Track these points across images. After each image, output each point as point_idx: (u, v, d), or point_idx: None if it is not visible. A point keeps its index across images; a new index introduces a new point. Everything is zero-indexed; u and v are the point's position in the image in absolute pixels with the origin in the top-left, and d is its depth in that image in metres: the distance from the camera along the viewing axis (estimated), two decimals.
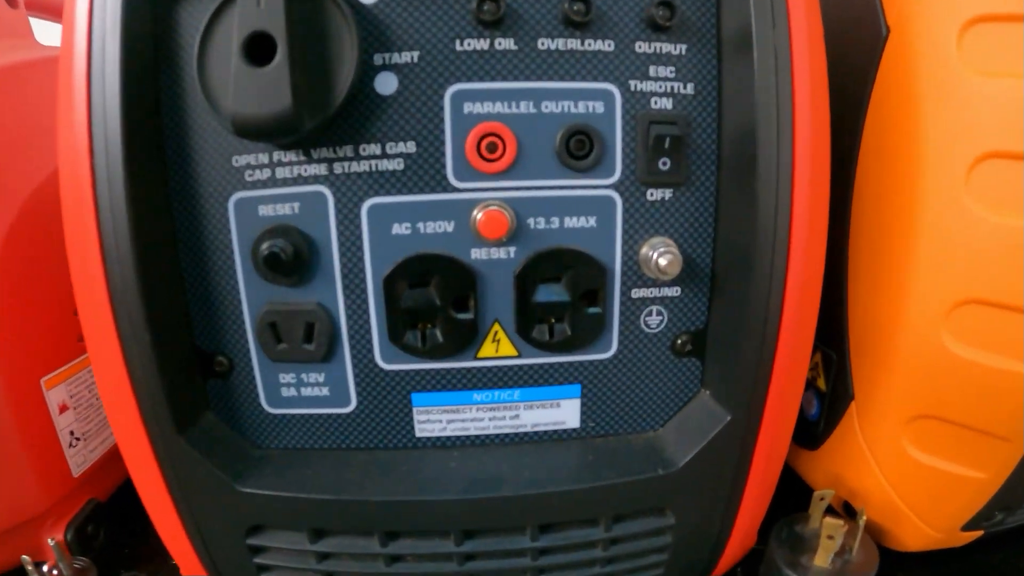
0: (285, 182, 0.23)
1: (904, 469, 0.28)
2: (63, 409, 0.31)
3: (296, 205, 0.23)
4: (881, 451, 0.28)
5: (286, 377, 0.25)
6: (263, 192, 0.23)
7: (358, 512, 0.24)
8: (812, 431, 0.33)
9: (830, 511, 0.30)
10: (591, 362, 0.26)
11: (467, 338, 0.24)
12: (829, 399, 0.31)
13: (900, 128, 0.27)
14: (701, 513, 0.26)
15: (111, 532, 0.34)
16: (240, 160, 0.23)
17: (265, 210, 0.23)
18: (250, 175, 0.23)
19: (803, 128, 0.22)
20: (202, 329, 0.25)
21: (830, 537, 0.28)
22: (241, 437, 0.26)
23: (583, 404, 0.26)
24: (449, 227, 0.23)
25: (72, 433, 0.32)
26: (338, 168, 0.23)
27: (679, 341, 0.26)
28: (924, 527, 0.29)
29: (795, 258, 0.23)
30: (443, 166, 0.23)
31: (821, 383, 0.32)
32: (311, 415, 0.26)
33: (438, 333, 0.24)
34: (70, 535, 0.30)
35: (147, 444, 0.24)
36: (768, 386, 0.24)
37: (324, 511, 0.24)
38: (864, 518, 0.29)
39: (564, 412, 0.26)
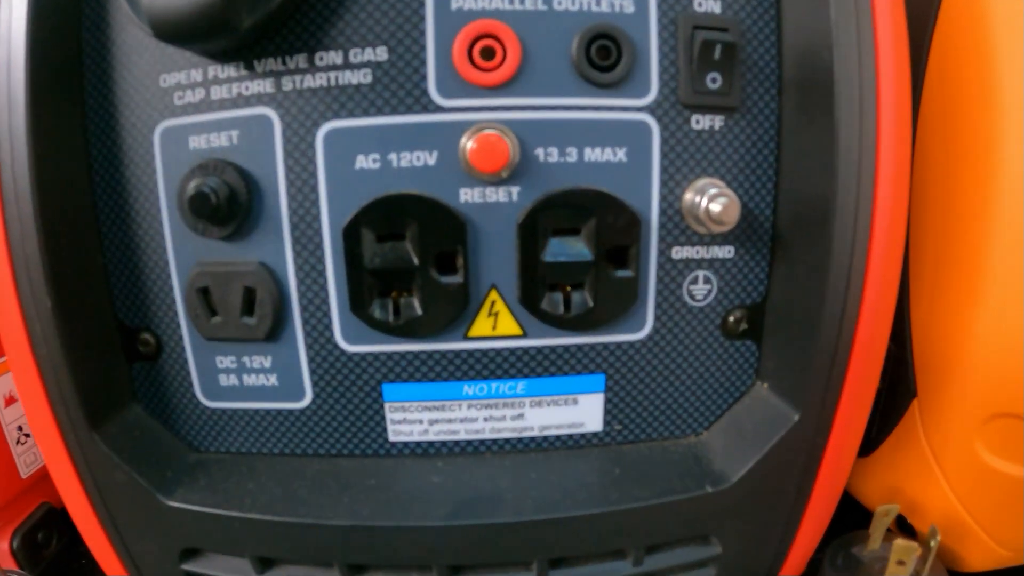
0: (222, 104, 0.19)
1: (975, 477, 0.26)
2: (9, 402, 0.29)
3: (234, 134, 0.19)
4: (948, 456, 0.26)
5: (224, 361, 0.21)
6: (194, 119, 0.20)
7: (314, 539, 0.20)
8: (864, 434, 0.30)
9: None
10: (619, 345, 0.21)
11: (454, 310, 0.20)
12: (886, 397, 0.28)
13: (969, 63, 0.23)
14: (754, 540, 0.22)
15: (66, 542, 0.31)
16: (168, 79, 0.20)
17: (196, 142, 0.20)
18: (180, 97, 0.20)
19: (885, 35, 0.19)
20: (124, 298, 0.21)
21: (900, 562, 0.25)
22: (173, 437, 0.22)
23: (607, 401, 0.22)
24: (431, 159, 0.19)
25: (20, 428, 0.30)
26: (287, 84, 0.19)
27: (731, 318, 0.22)
28: (992, 543, 0.27)
29: (881, 211, 0.19)
30: (423, 78, 0.19)
31: None
32: (256, 411, 0.22)
33: (416, 303, 0.20)
34: (16, 542, 0.28)
35: (59, 442, 0.21)
36: (845, 377, 0.20)
37: (271, 536, 0.21)
38: (938, 539, 0.26)
39: (583, 411, 0.22)
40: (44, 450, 0.21)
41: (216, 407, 0.22)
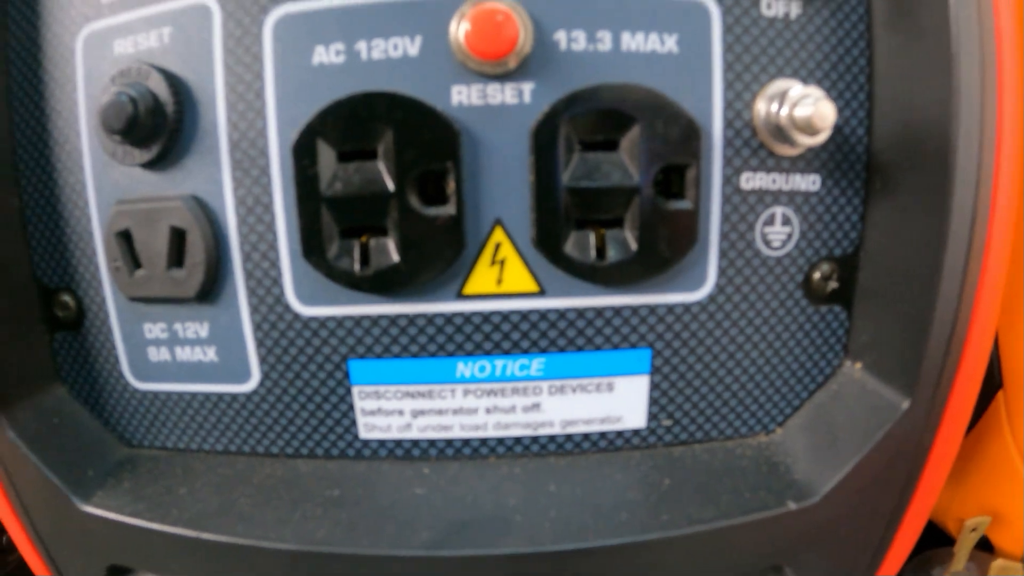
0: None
1: None
2: None
3: (165, 32, 0.16)
4: None
5: (153, 329, 0.18)
6: (122, 17, 0.17)
7: (254, 565, 0.16)
8: None
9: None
10: (670, 308, 0.17)
11: (445, 256, 0.16)
12: None
13: None
14: (838, 568, 0.19)
15: None
16: None
17: (123, 46, 0.17)
18: None
19: None
20: (43, 252, 0.19)
21: None
22: (101, 427, 0.20)
23: (654, 386, 0.18)
24: (412, 47, 0.15)
25: None
26: None
27: (816, 274, 0.18)
28: None
29: (1007, 143, 0.16)
30: None
31: None
32: (194, 394, 0.18)
33: (391, 246, 0.16)
34: None
35: None
36: (963, 353, 0.17)
37: (201, 558, 0.17)
38: None
39: (620, 401, 0.18)
40: None
41: (146, 389, 0.19)
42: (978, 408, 0.24)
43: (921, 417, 0.17)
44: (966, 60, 0.15)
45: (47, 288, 0.19)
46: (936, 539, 0.26)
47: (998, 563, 0.23)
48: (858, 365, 0.18)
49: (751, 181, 0.16)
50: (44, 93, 0.18)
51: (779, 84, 0.16)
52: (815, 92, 0.15)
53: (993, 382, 0.24)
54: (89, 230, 0.18)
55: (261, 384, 0.17)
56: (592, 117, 0.15)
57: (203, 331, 0.17)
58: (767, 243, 0.16)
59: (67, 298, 0.19)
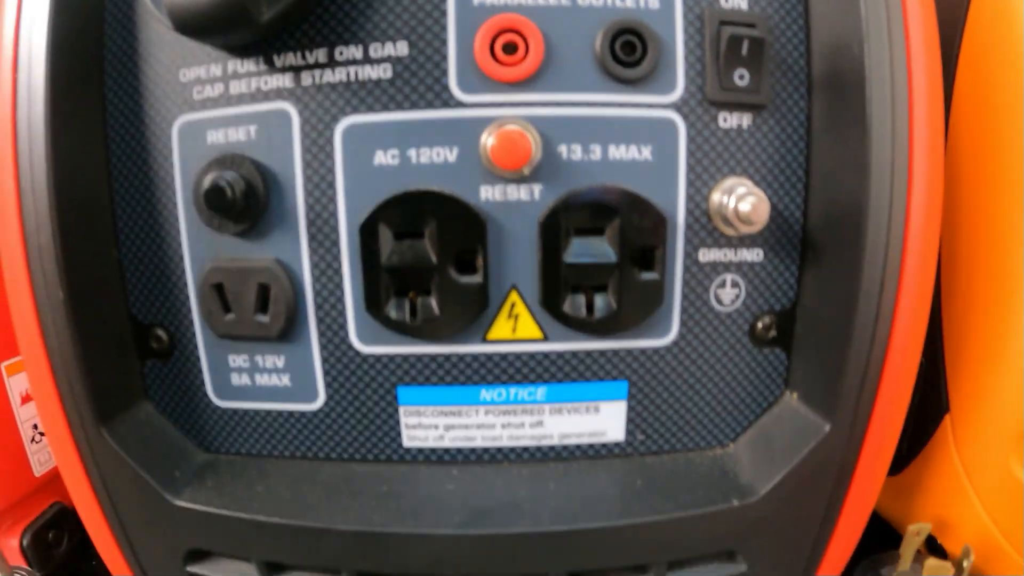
0: (241, 99, 0.19)
1: (1009, 495, 0.25)
2: (25, 400, 0.29)
3: (252, 128, 0.19)
4: (982, 473, 0.25)
5: (237, 359, 0.21)
6: (213, 113, 0.20)
7: (323, 544, 0.20)
8: (894, 452, 0.29)
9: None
10: (643, 351, 0.20)
11: (473, 311, 0.19)
12: (916, 413, 0.26)
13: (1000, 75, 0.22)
14: (781, 557, 0.21)
15: (77, 542, 0.31)
16: (188, 74, 0.20)
17: (215, 136, 0.20)
18: (199, 92, 0.20)
19: (916, 32, 0.18)
20: (138, 294, 0.21)
21: None
22: (183, 436, 0.22)
23: (630, 409, 0.21)
24: (451, 155, 0.18)
25: (36, 427, 0.29)
26: (306, 79, 0.19)
27: (760, 324, 0.21)
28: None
29: (916, 214, 0.19)
30: (444, 73, 0.18)
31: None
32: (268, 411, 0.21)
33: (433, 303, 0.19)
34: (27, 540, 0.28)
35: (69, 438, 0.20)
36: (879, 387, 0.19)
37: (279, 539, 0.20)
38: (971, 559, 0.25)
39: (605, 419, 0.21)
40: (53, 446, 0.21)
41: (227, 407, 0.21)
42: (929, 430, 0.26)
43: (843, 438, 0.19)
44: (878, 157, 0.18)
45: (141, 324, 0.21)
46: (896, 543, 0.27)
47: (930, 562, 0.24)
48: (795, 395, 0.21)
49: (706, 255, 0.19)
50: (142, 167, 0.20)
51: (731, 181, 0.19)
52: (757, 192, 0.18)
53: (942, 407, 0.26)
54: (183, 280, 0.20)
55: (326, 404, 0.21)
56: (585, 211, 0.18)
57: (280, 362, 0.20)
58: (719, 301, 0.20)
59: (160, 332, 0.21)
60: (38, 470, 0.29)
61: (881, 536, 0.27)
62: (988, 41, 0.23)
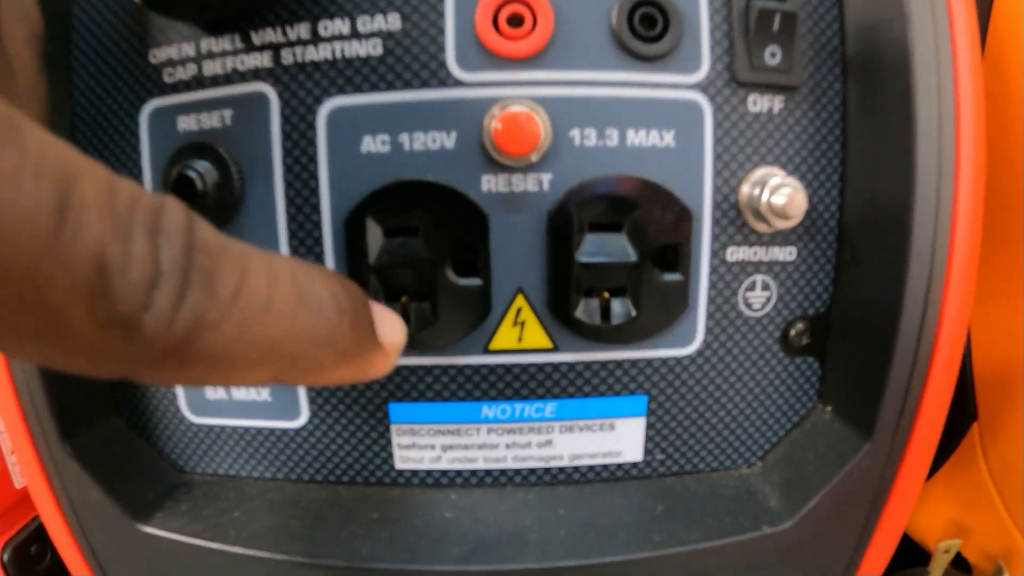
0: (215, 81, 0.18)
1: None
2: None
3: (227, 114, 0.18)
4: (1011, 484, 0.25)
5: None
6: (184, 97, 0.18)
7: None
8: None
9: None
10: (664, 361, 0.19)
11: (474, 318, 0.18)
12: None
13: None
14: None
15: (60, 558, 0.30)
16: (158, 55, 0.18)
17: (185, 123, 0.18)
18: (170, 75, 0.18)
19: (959, 9, 0.17)
20: None
21: None
22: (157, 455, 0.21)
23: (649, 426, 0.19)
24: (448, 141, 0.17)
25: None
26: (287, 56, 0.17)
27: (792, 331, 0.19)
28: None
29: (963, 210, 0.17)
30: (441, 48, 0.16)
31: None
32: (247, 428, 0.20)
33: (429, 309, 0.17)
34: (7, 555, 0.28)
35: (33, 454, 0.19)
36: (921, 399, 0.18)
37: (258, 574, 0.18)
38: None
39: (621, 438, 0.19)
40: (20, 461, 0.20)
41: (203, 423, 0.20)
42: (956, 439, 0.26)
43: (881, 457, 0.18)
44: (925, 150, 0.16)
45: None
46: (920, 559, 0.27)
47: None
48: (828, 409, 0.20)
49: (735, 254, 0.18)
50: (109, 159, 0.19)
51: (762, 171, 0.17)
52: (793, 183, 0.17)
53: (969, 414, 0.25)
54: None
55: (309, 421, 0.19)
56: (600, 203, 0.16)
57: None
58: (748, 306, 0.18)
59: None
60: (19, 482, 0.28)
61: (903, 549, 0.25)
62: (1011, 34, 0.22)
